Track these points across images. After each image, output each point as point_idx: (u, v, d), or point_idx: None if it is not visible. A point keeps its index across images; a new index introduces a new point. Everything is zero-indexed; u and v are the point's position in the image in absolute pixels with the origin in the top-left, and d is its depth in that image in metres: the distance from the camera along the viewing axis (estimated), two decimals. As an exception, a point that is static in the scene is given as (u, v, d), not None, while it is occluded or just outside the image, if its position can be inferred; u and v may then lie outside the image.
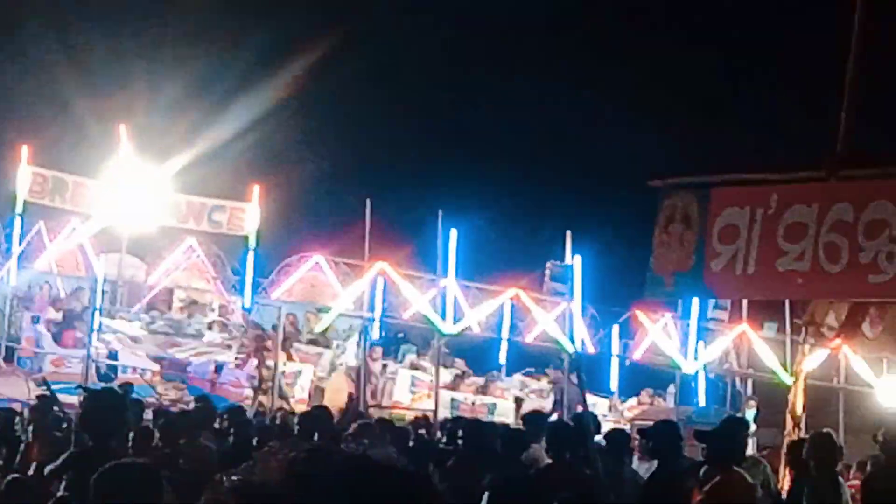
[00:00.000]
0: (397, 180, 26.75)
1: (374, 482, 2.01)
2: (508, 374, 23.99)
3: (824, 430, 12.60)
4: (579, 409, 19.31)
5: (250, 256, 20.19)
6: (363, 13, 26.86)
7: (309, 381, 20.95)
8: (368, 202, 19.73)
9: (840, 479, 11.43)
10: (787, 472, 13.05)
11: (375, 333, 21.66)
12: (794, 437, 13.29)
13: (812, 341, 14.10)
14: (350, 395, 20.30)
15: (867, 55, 13.45)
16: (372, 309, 21.02)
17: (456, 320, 20.29)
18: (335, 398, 19.71)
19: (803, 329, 14.35)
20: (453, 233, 20.11)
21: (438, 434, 14.38)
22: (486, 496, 5.84)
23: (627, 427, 18.14)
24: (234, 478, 2.98)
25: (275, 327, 19.98)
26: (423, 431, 13.79)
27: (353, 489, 1.98)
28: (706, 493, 9.95)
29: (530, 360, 23.90)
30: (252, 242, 20.29)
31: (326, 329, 21.84)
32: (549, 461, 11.05)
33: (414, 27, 27.44)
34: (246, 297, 20.25)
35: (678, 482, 10.65)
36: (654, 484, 10.26)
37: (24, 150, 20.69)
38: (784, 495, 11.68)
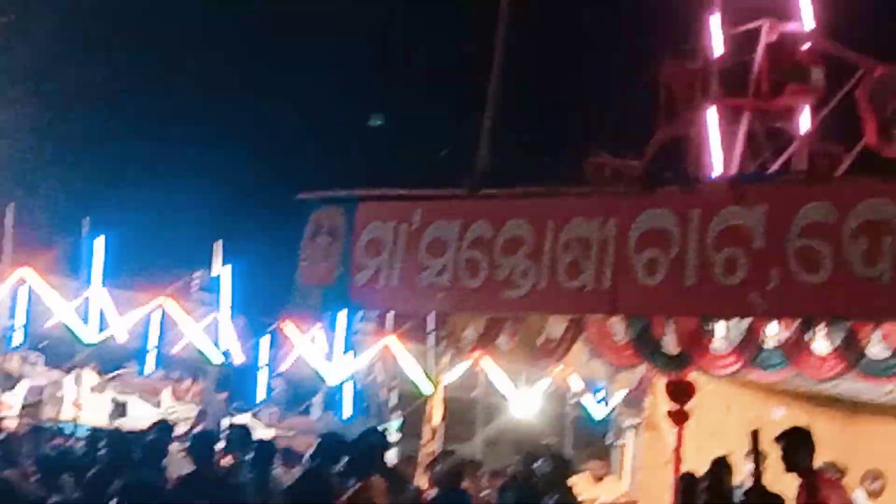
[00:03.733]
0: (43, 185, 26.03)
1: None
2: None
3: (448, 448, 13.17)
4: (225, 419, 19.35)
5: None
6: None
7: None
8: (11, 206, 19.10)
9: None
10: (429, 482, 13.45)
11: (17, 341, 20.95)
12: (432, 448, 13.74)
13: (452, 353, 14.60)
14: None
15: (509, 82, 14.09)
16: (13, 316, 20.33)
17: (102, 329, 19.89)
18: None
19: (443, 341, 14.84)
20: (100, 239, 19.70)
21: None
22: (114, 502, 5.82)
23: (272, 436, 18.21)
24: None
25: None
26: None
27: None
28: (346, 499, 10.25)
29: (179, 371, 23.63)
30: None
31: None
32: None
33: (61, 29, 26.70)
34: None
35: (322, 487, 10.89)
36: (299, 486, 10.44)
37: None
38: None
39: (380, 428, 17.13)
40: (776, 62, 13.80)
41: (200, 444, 11.55)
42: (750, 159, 14.36)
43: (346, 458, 10.91)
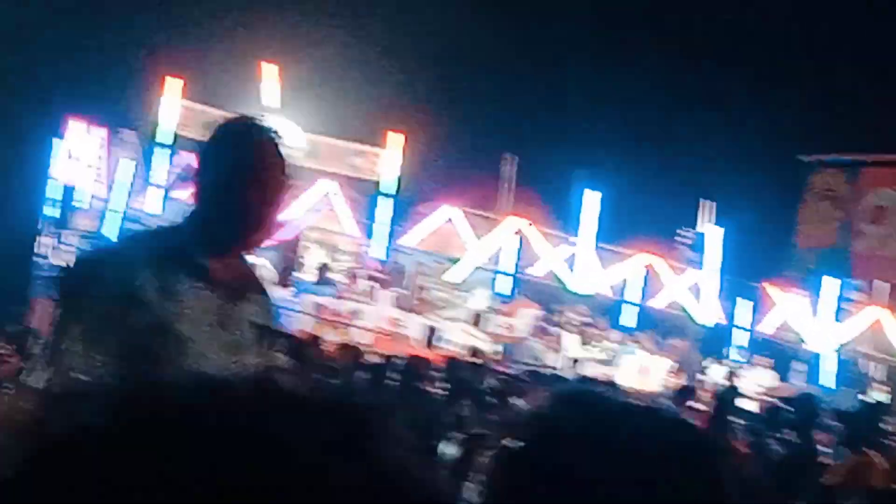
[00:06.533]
0: (535, 136, 26.64)
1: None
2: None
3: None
4: (698, 376, 19.39)
5: (387, 203, 20.35)
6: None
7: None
8: (510, 157, 19.73)
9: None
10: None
11: (505, 287, 21.63)
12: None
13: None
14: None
15: None
16: (497, 261, 21.00)
17: (585, 280, 20.30)
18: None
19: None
20: (594, 195, 20.07)
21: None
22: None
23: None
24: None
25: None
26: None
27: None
28: (843, 475, 9.95)
29: (654, 326, 23.83)
30: (390, 188, 20.45)
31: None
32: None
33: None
34: (379, 243, 20.36)
35: (816, 459, 10.67)
36: (792, 458, 10.28)
37: (174, 83, 20.97)
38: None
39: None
40: None
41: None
42: None
43: (838, 426, 10.58)
